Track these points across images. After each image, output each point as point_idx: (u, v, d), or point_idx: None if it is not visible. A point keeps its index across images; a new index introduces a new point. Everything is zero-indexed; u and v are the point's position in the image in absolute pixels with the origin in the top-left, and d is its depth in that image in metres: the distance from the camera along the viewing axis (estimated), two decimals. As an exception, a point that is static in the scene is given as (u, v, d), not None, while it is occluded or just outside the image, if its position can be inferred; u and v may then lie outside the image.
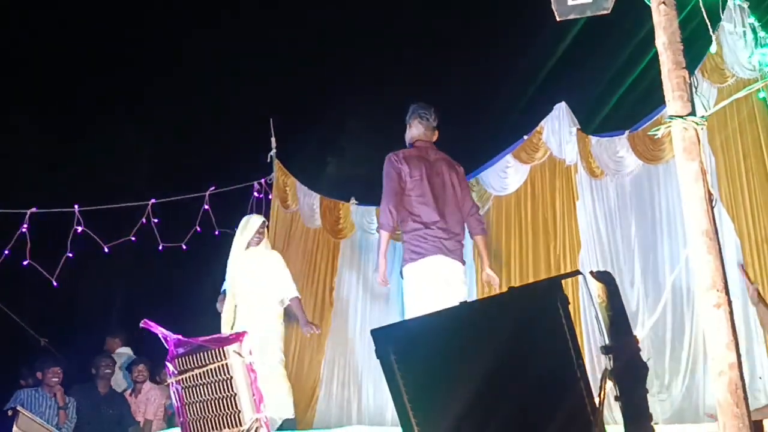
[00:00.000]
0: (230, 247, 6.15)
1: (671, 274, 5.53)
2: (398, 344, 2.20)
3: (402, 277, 5.04)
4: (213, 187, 7.51)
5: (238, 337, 3.45)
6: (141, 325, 3.56)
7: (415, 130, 5.20)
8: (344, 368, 7.47)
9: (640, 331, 5.74)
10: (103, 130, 11.36)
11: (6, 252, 6.42)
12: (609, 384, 2.16)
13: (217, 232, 7.44)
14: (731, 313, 2.74)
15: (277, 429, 5.62)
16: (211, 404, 3.45)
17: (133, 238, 7.16)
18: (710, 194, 2.90)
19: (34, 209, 6.53)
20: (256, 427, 3.36)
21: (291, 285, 5.94)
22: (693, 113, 3.03)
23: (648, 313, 5.88)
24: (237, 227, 6.19)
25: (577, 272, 2.22)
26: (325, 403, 7.34)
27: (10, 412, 3.94)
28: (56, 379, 6.36)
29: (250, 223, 5.97)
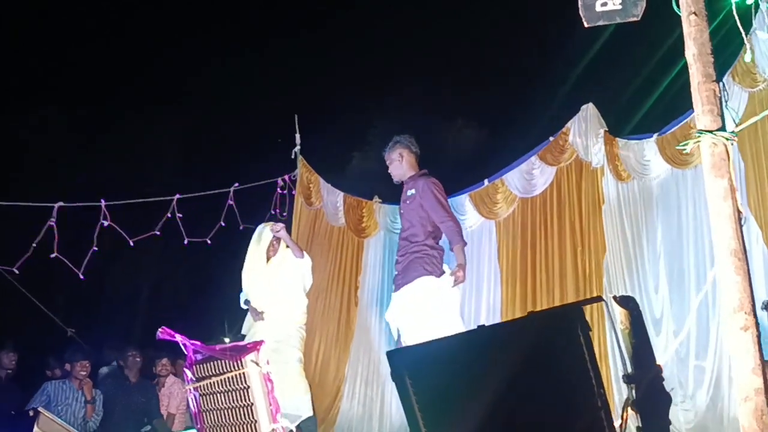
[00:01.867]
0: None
1: (697, 295, 5.41)
2: (414, 366, 2.18)
3: (405, 283, 5.07)
4: (237, 183, 7.53)
5: (255, 346, 3.45)
6: (159, 333, 3.56)
7: (412, 158, 5.33)
8: (368, 366, 7.48)
9: (664, 340, 5.65)
10: (131, 127, 11.45)
11: (34, 245, 6.49)
12: (630, 414, 2.11)
13: (241, 227, 7.46)
14: (759, 336, 2.66)
15: (297, 426, 5.61)
16: (228, 413, 3.46)
17: (159, 233, 7.19)
18: (739, 212, 2.82)
19: (61, 203, 6.59)
20: (273, 438, 3.35)
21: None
22: (723, 128, 2.95)
23: (672, 321, 5.77)
24: (260, 223, 6.21)
25: (599, 298, 2.17)
26: (348, 402, 7.35)
27: (31, 413, 3.99)
28: (84, 372, 6.41)
29: (264, 236, 5.95)
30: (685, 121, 5.79)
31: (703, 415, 5.37)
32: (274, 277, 5.83)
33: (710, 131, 2.93)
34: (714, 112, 2.97)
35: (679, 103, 5.79)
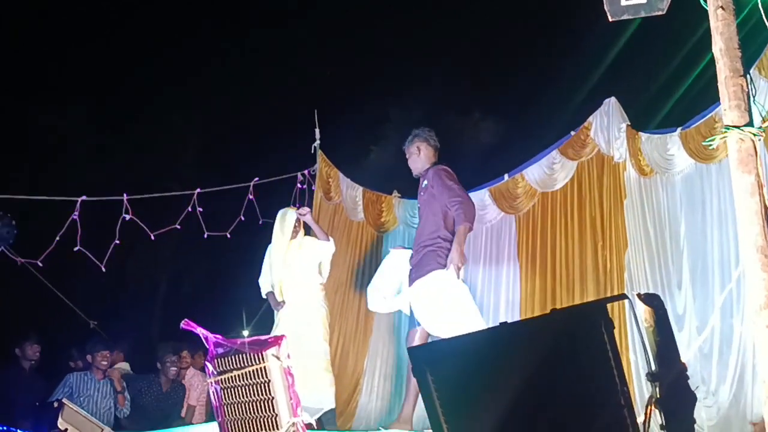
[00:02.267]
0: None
1: (722, 293, 5.34)
2: (435, 363, 2.17)
3: (418, 277, 5.06)
4: (257, 178, 7.57)
5: (276, 340, 3.47)
6: (182, 325, 3.60)
7: (430, 151, 5.31)
8: (387, 361, 7.49)
9: (687, 336, 5.59)
10: (151, 122, 11.54)
11: (58, 238, 6.57)
12: (654, 412, 2.09)
13: (260, 222, 7.50)
14: (785, 334, 2.63)
15: (317, 418, 5.66)
16: (248, 406, 3.49)
17: (179, 227, 7.25)
18: (766, 209, 2.79)
19: (84, 197, 6.66)
20: (293, 431, 3.39)
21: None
22: (750, 123, 2.91)
23: (695, 317, 5.71)
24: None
25: (623, 296, 2.15)
26: (367, 396, 7.37)
27: (56, 404, 4.04)
28: (105, 363, 6.50)
29: (287, 218, 6.03)
30: (709, 115, 5.71)
31: (726, 411, 5.31)
32: (293, 259, 5.91)
33: (737, 127, 2.90)
34: (741, 108, 2.94)
35: (703, 97, 5.71)
